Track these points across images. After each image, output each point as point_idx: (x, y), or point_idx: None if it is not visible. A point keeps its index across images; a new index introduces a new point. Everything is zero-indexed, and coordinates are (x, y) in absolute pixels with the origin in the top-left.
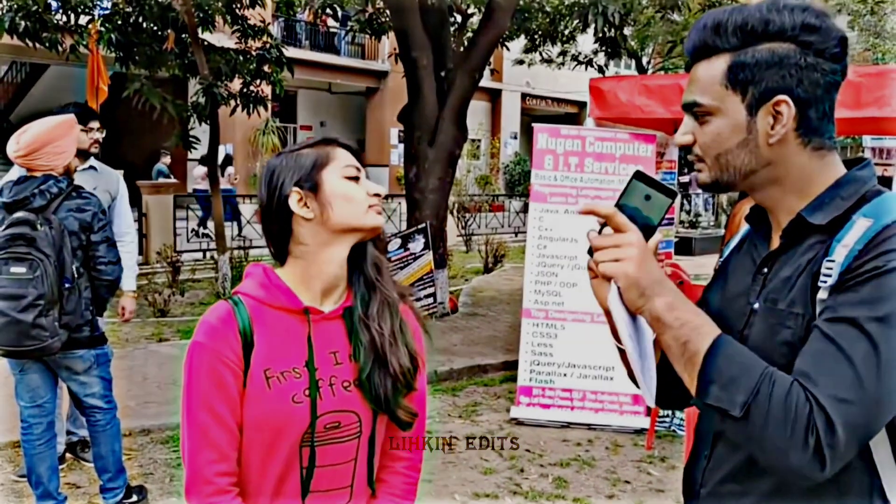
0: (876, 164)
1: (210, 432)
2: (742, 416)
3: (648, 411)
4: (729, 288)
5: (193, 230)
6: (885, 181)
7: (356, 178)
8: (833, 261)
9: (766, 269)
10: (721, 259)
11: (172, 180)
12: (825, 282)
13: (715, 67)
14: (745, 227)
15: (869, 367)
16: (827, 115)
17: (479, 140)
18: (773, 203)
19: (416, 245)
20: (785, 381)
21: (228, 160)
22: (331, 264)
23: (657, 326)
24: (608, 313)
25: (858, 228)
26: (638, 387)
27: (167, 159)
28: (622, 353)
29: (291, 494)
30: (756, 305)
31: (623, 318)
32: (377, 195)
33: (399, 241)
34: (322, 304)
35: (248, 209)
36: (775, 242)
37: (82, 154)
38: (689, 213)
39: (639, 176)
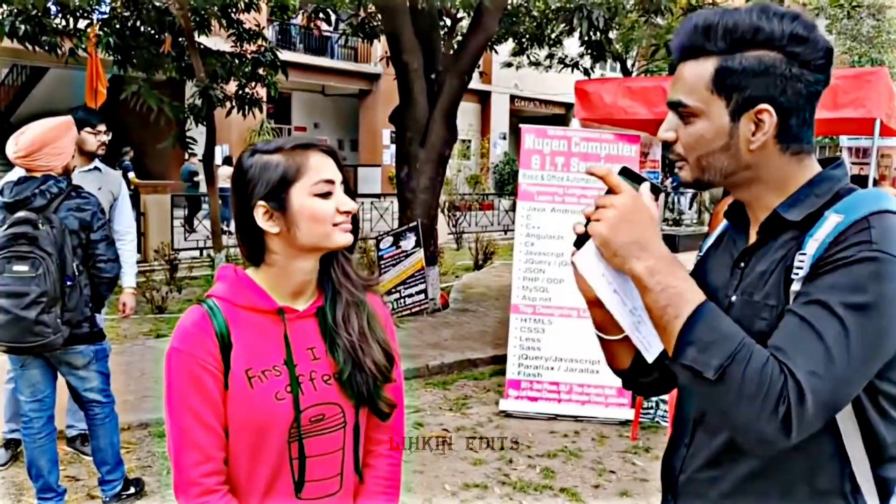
0: (853, 164)
1: (193, 434)
2: (717, 379)
3: (633, 403)
4: (708, 283)
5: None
6: (861, 180)
7: (327, 194)
8: (805, 254)
9: (742, 264)
10: (700, 254)
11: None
12: (797, 274)
13: (702, 69)
14: (723, 222)
15: (840, 347)
16: (807, 122)
17: (470, 141)
18: (751, 200)
19: (408, 243)
20: (762, 353)
21: (229, 161)
22: (300, 273)
23: (639, 288)
24: (591, 303)
25: (829, 224)
26: (619, 374)
27: (195, 159)
28: (602, 342)
29: (285, 488)
30: (733, 299)
31: (596, 275)
32: (347, 212)
33: (391, 238)
34: (294, 304)
35: None
36: (753, 238)
37: (89, 155)
38: (672, 210)
39: (625, 172)
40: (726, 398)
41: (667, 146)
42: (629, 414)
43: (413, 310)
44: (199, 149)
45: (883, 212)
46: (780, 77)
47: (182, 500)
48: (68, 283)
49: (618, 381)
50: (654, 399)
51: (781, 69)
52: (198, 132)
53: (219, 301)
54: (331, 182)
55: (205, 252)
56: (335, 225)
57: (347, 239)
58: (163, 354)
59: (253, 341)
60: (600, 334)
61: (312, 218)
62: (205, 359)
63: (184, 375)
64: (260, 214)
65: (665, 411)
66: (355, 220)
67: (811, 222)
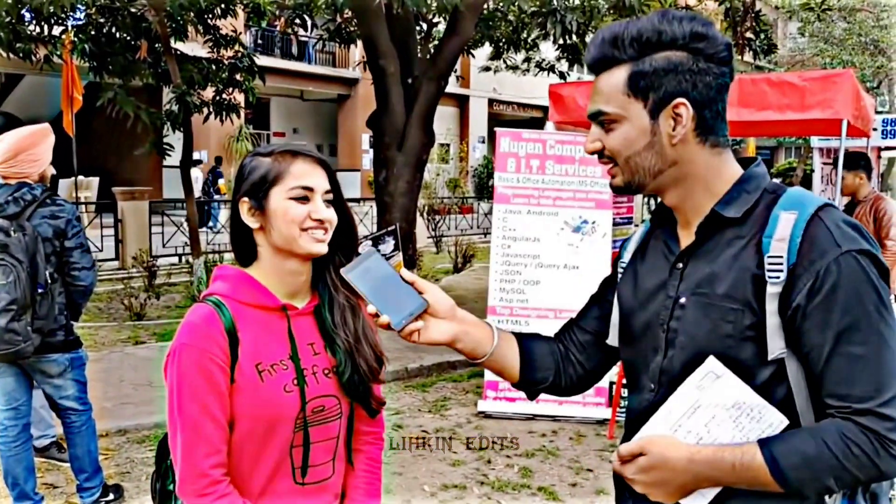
0: (823, 164)
1: (203, 428)
2: (840, 488)
3: (610, 402)
4: (642, 284)
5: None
6: (806, 178)
7: (304, 199)
8: (774, 256)
9: (681, 265)
10: (623, 258)
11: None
12: (777, 278)
13: (616, 78)
14: (642, 226)
15: (881, 354)
16: (720, 114)
17: (449, 145)
18: (679, 202)
19: (387, 247)
20: (834, 435)
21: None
22: (287, 274)
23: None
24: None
25: (786, 221)
26: (518, 387)
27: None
28: (485, 366)
29: (286, 474)
30: (683, 299)
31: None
32: (319, 220)
33: (369, 242)
34: (293, 301)
35: (224, 214)
36: (685, 239)
37: None
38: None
39: (375, 240)
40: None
41: (599, 156)
42: (606, 413)
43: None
44: (177, 155)
45: (825, 206)
46: (689, 72)
47: (190, 491)
48: (39, 290)
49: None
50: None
51: (689, 65)
52: (175, 138)
53: (223, 298)
54: (308, 189)
55: (183, 258)
56: (304, 229)
57: (318, 248)
58: (141, 361)
59: (259, 337)
60: (474, 361)
61: (284, 219)
62: (214, 352)
63: (194, 369)
64: (245, 210)
65: None
66: (351, 230)
67: (753, 221)
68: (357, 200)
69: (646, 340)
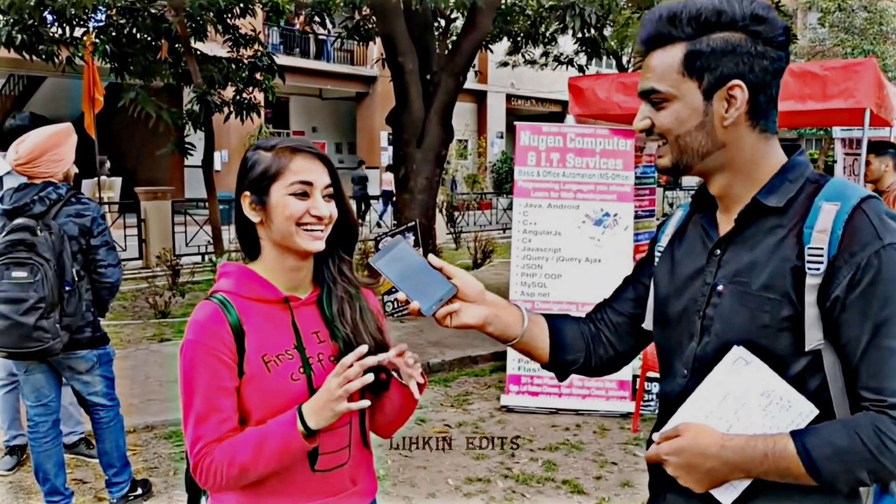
0: (846, 154)
1: (216, 401)
2: (873, 481)
3: (633, 396)
4: (679, 269)
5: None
6: (828, 169)
7: (303, 195)
8: (815, 248)
9: (719, 251)
10: (660, 242)
11: None
12: (817, 269)
13: (671, 56)
14: (681, 211)
15: None
16: (773, 99)
17: (467, 140)
18: (722, 189)
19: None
20: (868, 428)
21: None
22: (289, 268)
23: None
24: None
25: (827, 213)
26: (547, 367)
27: (363, 167)
28: (515, 349)
29: (299, 461)
30: (720, 287)
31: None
32: (318, 217)
33: (390, 238)
34: (295, 293)
35: None
36: (724, 225)
37: None
38: (671, 205)
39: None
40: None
41: (648, 134)
42: (630, 407)
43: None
44: (199, 154)
45: (868, 197)
46: (746, 55)
47: (205, 451)
48: (67, 288)
49: (619, 375)
50: (654, 391)
51: (747, 47)
52: (196, 138)
53: (227, 295)
54: (307, 184)
55: (206, 257)
56: (301, 225)
57: (314, 245)
58: (167, 358)
59: (264, 329)
60: (505, 344)
61: (282, 214)
62: (221, 349)
63: (202, 362)
64: (246, 204)
65: None
66: (348, 225)
67: (795, 211)
68: (375, 197)
69: (681, 326)
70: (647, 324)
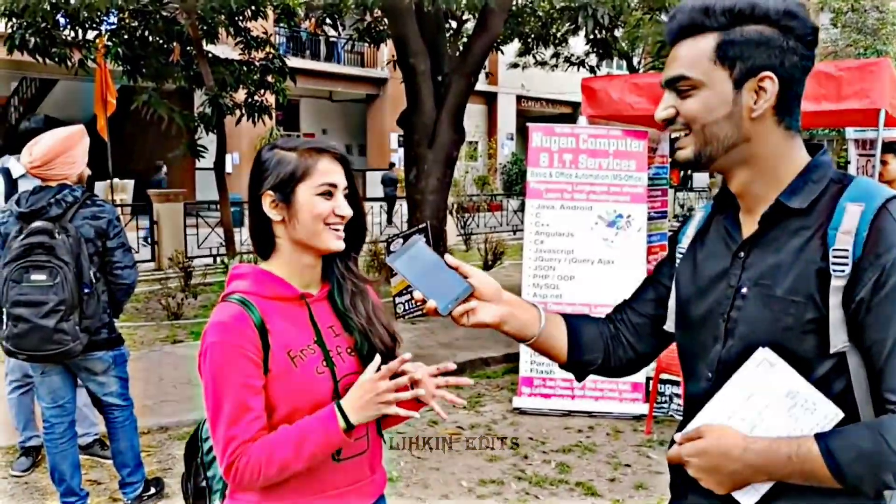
0: (859, 156)
1: (247, 401)
2: None
3: (647, 398)
4: (701, 271)
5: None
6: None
7: (328, 195)
8: (841, 250)
9: (742, 254)
10: (681, 243)
11: None
12: (842, 271)
13: (703, 44)
14: (700, 213)
15: None
16: (798, 97)
17: (477, 142)
18: (743, 187)
19: None
20: (893, 431)
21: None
22: (303, 265)
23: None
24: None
25: (852, 214)
26: (566, 367)
27: (395, 169)
28: (532, 348)
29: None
30: (744, 290)
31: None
32: (341, 217)
33: (401, 240)
34: (309, 290)
35: None
36: (747, 226)
37: None
38: (682, 206)
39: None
40: None
41: (668, 124)
42: (643, 409)
43: (422, 309)
44: (210, 157)
45: (893, 198)
46: (778, 48)
47: (240, 451)
48: (86, 290)
49: (632, 377)
50: (667, 393)
51: (779, 42)
52: (208, 140)
53: (247, 295)
54: (333, 186)
55: (218, 259)
56: (327, 224)
57: (338, 245)
58: (180, 360)
59: (285, 326)
60: (522, 342)
61: (310, 213)
62: (248, 348)
63: (231, 359)
64: (267, 203)
65: (680, 405)
66: (360, 224)
67: (819, 212)
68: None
69: (705, 329)
70: (670, 326)
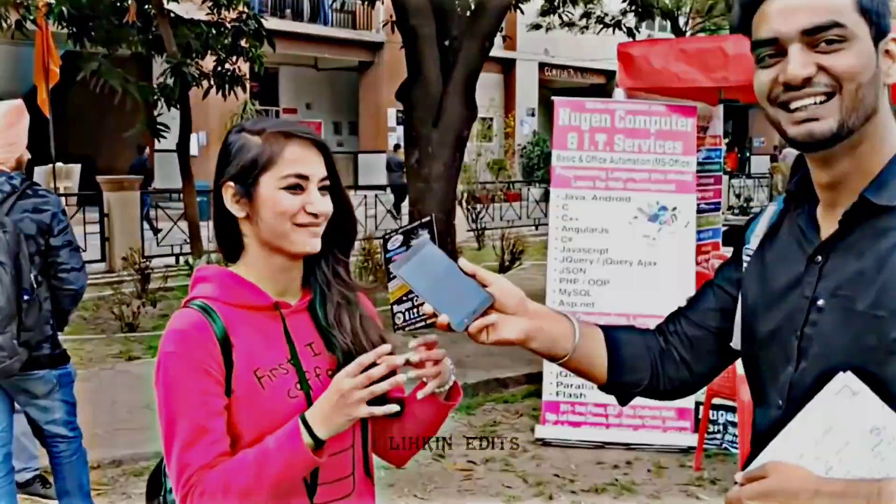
0: None
1: (207, 423)
2: None
3: (696, 427)
4: (772, 278)
5: None
6: None
7: (297, 188)
8: None
9: (819, 258)
10: (749, 244)
11: None
12: None
13: None
14: (772, 207)
15: None
16: None
17: (491, 119)
18: (841, 175)
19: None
20: None
21: None
22: (276, 269)
23: None
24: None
25: None
26: (605, 389)
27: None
28: (565, 367)
29: (296, 491)
30: (821, 302)
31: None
32: (314, 215)
33: (400, 237)
34: (285, 298)
35: None
36: (826, 225)
37: None
38: (738, 196)
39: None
40: None
41: (801, 86)
42: (692, 440)
43: (428, 321)
44: (172, 137)
45: None
46: None
47: (195, 480)
48: (25, 297)
49: (678, 402)
50: (721, 421)
51: None
52: (169, 117)
53: (209, 301)
54: (303, 178)
55: (181, 259)
56: (298, 225)
57: (309, 246)
58: (136, 380)
59: (254, 340)
60: (553, 362)
61: (274, 211)
62: (207, 361)
63: (187, 374)
64: (228, 195)
65: (735, 435)
66: (347, 222)
67: None
68: (383, 188)
69: (774, 347)
70: (736, 342)
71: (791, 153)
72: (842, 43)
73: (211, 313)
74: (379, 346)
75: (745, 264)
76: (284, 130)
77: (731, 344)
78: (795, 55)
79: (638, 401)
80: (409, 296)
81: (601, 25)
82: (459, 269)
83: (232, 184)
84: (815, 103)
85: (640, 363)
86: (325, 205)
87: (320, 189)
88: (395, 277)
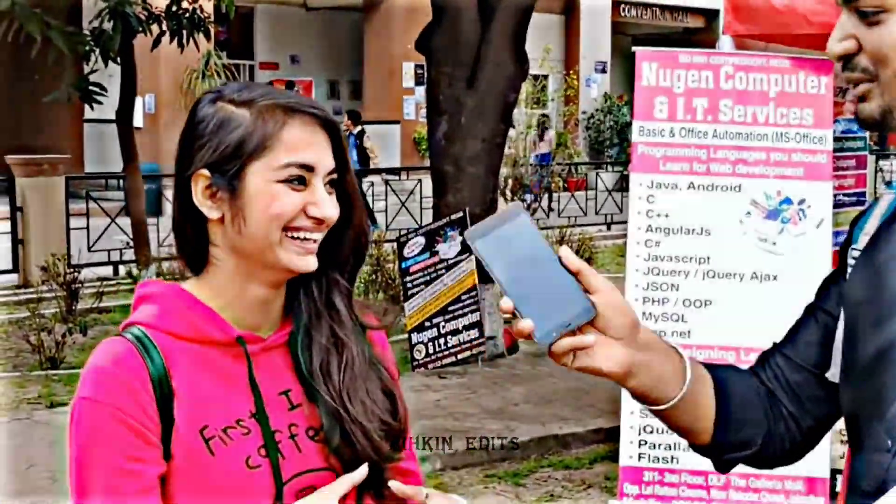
0: None
1: (127, 498)
2: None
3: (833, 496)
4: (881, 286)
5: None
6: None
7: (299, 183)
8: None
9: None
10: (856, 243)
11: None
12: None
13: None
14: (888, 197)
15: None
16: None
17: (546, 77)
18: None
19: (450, 247)
20: None
21: None
22: (252, 297)
23: None
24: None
25: None
26: (704, 452)
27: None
28: (660, 417)
29: None
30: None
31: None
32: (317, 219)
33: (422, 240)
34: (255, 330)
35: None
36: None
37: None
38: (889, 184)
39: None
40: None
41: (845, 65)
42: None
43: (461, 355)
44: (110, 102)
45: None
46: None
47: None
48: None
49: (807, 468)
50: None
51: None
52: (106, 75)
53: (149, 330)
54: (307, 168)
55: (122, 268)
56: (290, 230)
57: (304, 263)
58: (60, 433)
59: (204, 387)
60: (650, 408)
61: (264, 211)
62: (134, 413)
63: (105, 429)
64: (199, 188)
65: None
66: (355, 233)
67: None
68: (396, 171)
69: (883, 373)
70: (833, 372)
71: None
72: (881, 15)
73: (147, 346)
74: (360, 470)
75: (849, 269)
76: (283, 103)
77: (827, 375)
78: (839, 24)
79: (748, 468)
80: (434, 320)
81: None
82: (559, 260)
83: (206, 173)
84: (863, 83)
85: (753, 417)
86: (332, 207)
87: (327, 185)
88: (416, 293)
